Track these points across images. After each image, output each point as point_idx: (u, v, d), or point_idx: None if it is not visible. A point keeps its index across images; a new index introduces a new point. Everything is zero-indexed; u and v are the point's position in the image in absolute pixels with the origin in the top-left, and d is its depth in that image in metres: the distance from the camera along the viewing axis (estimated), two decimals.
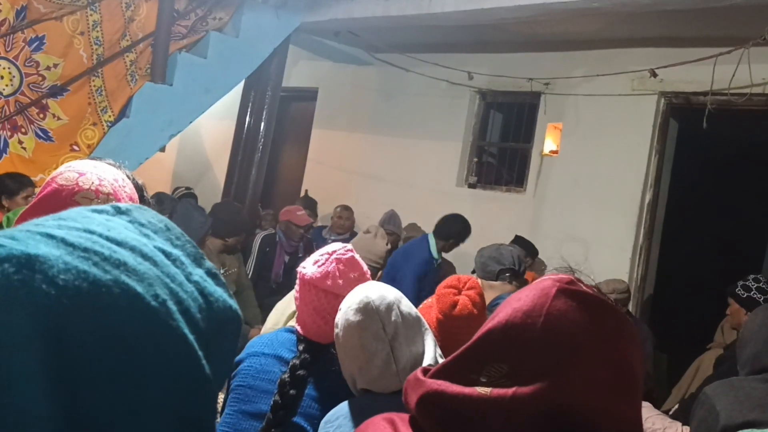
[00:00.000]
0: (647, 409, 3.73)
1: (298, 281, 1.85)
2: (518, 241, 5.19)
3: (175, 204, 4.24)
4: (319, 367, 1.74)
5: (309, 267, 1.82)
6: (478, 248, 5.89)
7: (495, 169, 6.38)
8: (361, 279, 1.80)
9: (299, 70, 7.30)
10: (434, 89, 6.33)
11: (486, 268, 2.75)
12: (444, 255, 5.07)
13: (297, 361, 1.75)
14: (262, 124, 5.92)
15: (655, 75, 4.84)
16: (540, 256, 5.46)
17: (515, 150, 6.18)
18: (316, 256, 1.84)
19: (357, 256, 1.87)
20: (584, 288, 0.85)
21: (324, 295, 1.77)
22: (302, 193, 6.90)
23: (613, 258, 5.27)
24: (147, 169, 6.17)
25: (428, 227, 5.77)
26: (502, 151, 6.45)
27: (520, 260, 2.76)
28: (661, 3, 4.01)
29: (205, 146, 8.09)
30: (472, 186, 6.32)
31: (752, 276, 3.46)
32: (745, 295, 3.36)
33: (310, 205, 6.26)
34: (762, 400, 2.08)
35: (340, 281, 1.77)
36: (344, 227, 6.48)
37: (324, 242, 6.28)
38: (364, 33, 5.93)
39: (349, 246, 1.88)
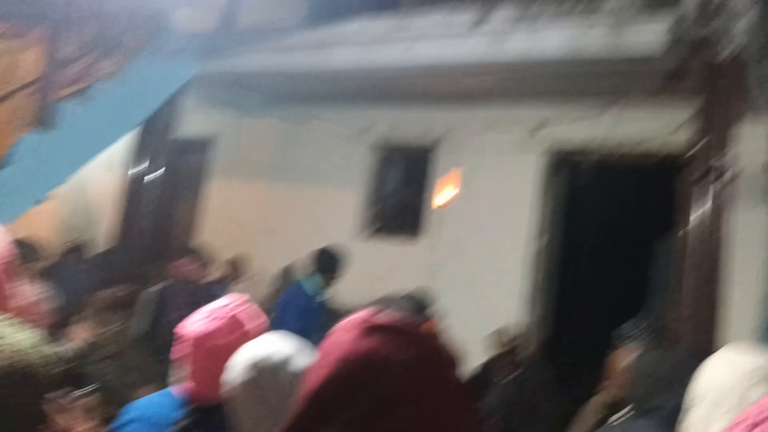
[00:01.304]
0: None
1: (182, 339, 1.76)
2: (411, 295, 5.21)
3: (56, 259, 3.97)
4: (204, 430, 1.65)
5: (197, 323, 1.73)
6: (375, 297, 5.89)
7: (393, 219, 6.45)
8: (255, 333, 1.74)
9: (195, 120, 7.14)
10: (333, 140, 6.38)
11: None
12: None
13: (181, 426, 1.65)
14: (153, 175, 5.73)
15: (539, 132, 5.11)
16: (438, 302, 5.51)
17: (412, 200, 6.29)
18: (204, 311, 1.76)
19: (249, 309, 1.81)
20: (388, 319, 0.86)
21: (215, 352, 1.68)
22: (195, 246, 6.66)
23: (509, 303, 5.42)
24: (33, 219, 5.80)
25: None
26: (399, 201, 6.54)
27: (413, 308, 2.75)
28: (542, 65, 4.29)
29: (96, 196, 7.70)
30: (370, 236, 6.36)
31: (634, 319, 3.62)
32: (631, 340, 3.51)
33: (203, 257, 6.04)
34: None
35: (231, 337, 1.69)
36: (233, 279, 6.31)
37: (216, 296, 6.07)
38: (261, 85, 5.92)
39: (241, 299, 1.81)
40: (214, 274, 6.31)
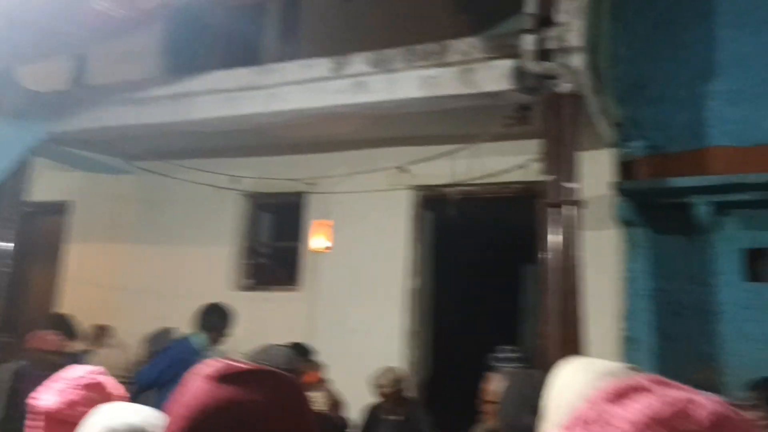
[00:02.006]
0: None
1: (30, 414, 1.62)
2: (293, 347, 5.14)
3: None
4: None
5: (47, 396, 1.60)
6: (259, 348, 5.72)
7: (269, 270, 6.36)
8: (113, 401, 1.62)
9: (46, 183, 6.73)
10: (200, 194, 6.22)
11: None
12: None
13: None
14: (2, 244, 5.30)
15: (404, 171, 5.27)
16: (319, 349, 5.44)
17: (286, 249, 6.24)
18: (57, 384, 1.63)
19: (106, 378, 1.69)
20: (240, 365, 0.86)
21: (69, 429, 1.56)
22: (55, 315, 6.18)
23: (389, 345, 5.45)
24: None
25: None
26: (273, 250, 6.47)
27: (290, 359, 2.72)
28: (401, 106, 4.43)
29: None
30: (247, 288, 6.21)
31: (501, 347, 3.78)
32: (500, 367, 3.64)
33: (64, 325, 5.62)
34: None
35: (88, 409, 1.57)
36: (101, 347, 5.92)
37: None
38: (119, 142, 5.69)
39: (98, 368, 1.70)
40: (78, 343, 5.90)
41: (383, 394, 4.64)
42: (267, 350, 2.74)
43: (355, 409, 5.00)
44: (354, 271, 5.69)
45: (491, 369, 3.75)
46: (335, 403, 3.58)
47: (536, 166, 5.05)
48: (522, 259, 7.29)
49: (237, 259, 6.24)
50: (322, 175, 5.82)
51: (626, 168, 5.02)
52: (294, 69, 4.54)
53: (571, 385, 1.41)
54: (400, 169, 5.28)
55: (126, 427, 1.35)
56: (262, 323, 5.84)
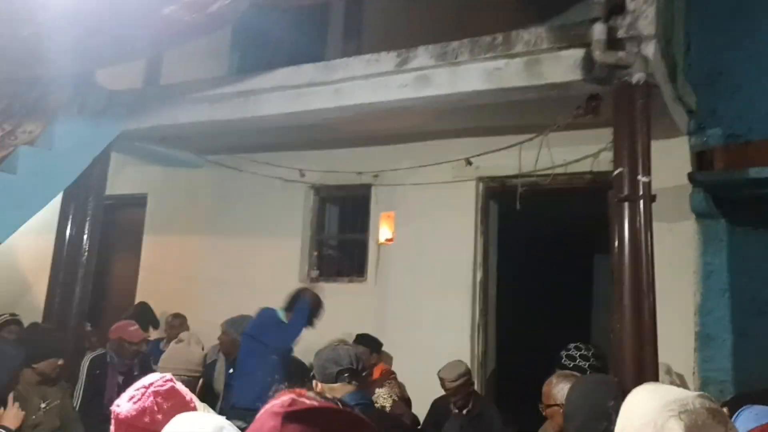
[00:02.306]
0: None
1: (113, 421, 1.70)
2: (360, 338, 5.22)
3: None
4: None
5: (123, 404, 1.68)
6: (325, 341, 5.84)
7: (336, 262, 6.44)
8: (184, 410, 1.69)
9: (125, 177, 7.02)
10: (269, 188, 6.35)
11: (325, 371, 2.71)
12: None
13: None
14: (85, 236, 5.56)
15: (470, 163, 5.22)
16: (386, 341, 5.51)
17: (353, 241, 6.31)
18: (131, 391, 1.71)
19: (177, 385, 1.76)
20: (307, 403, 0.87)
21: None
22: (135, 306, 6.47)
23: (455, 338, 5.43)
24: None
25: None
26: (340, 242, 6.55)
27: (358, 359, 2.75)
28: (465, 99, 4.37)
29: (23, 264, 7.43)
30: (314, 280, 6.30)
31: (573, 345, 3.69)
32: (571, 365, 3.57)
33: (145, 316, 5.88)
34: None
35: (160, 416, 1.65)
36: (177, 336, 6.14)
37: (160, 355, 5.89)
38: (192, 137, 5.87)
39: (168, 375, 1.77)
40: (158, 332, 6.16)
41: (450, 389, 4.64)
42: (335, 349, 2.78)
43: (421, 403, 5.03)
44: (420, 263, 5.70)
45: (560, 366, 3.69)
46: (401, 400, 3.60)
47: (607, 156, 4.91)
48: (594, 250, 7.13)
49: (305, 251, 6.35)
50: (387, 167, 5.84)
51: (702, 158, 4.80)
52: (358, 64, 4.55)
53: (640, 412, 1.38)
54: (466, 161, 5.22)
55: None
56: (331, 314, 5.92)
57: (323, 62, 4.77)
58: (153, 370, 5.30)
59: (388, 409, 3.27)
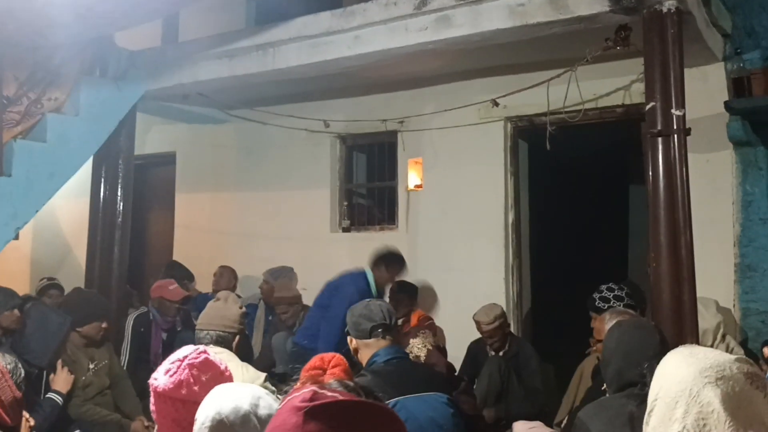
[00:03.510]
0: (539, 429, 3.84)
1: (151, 393, 1.74)
2: (400, 286, 5.25)
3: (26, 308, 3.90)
4: None
5: (161, 377, 1.71)
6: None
7: (366, 210, 6.44)
8: (220, 380, 1.72)
9: (153, 136, 7.06)
10: (295, 139, 6.32)
11: (358, 327, 2.73)
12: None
13: None
14: (119, 197, 5.63)
15: (497, 104, 5.10)
16: (420, 287, 5.53)
17: (382, 189, 6.28)
18: (167, 364, 1.74)
19: (212, 356, 1.79)
20: (329, 396, 0.86)
21: (182, 405, 1.67)
22: (173, 263, 6.58)
23: (488, 281, 5.44)
24: (2, 260, 5.70)
25: (308, 277, 5.71)
26: (370, 191, 6.53)
27: (390, 314, 2.77)
28: (488, 38, 4.23)
29: (63, 227, 7.60)
30: (346, 230, 6.34)
31: (605, 286, 3.66)
32: (605, 306, 3.55)
33: (181, 273, 5.99)
34: (629, 416, 2.18)
35: (196, 387, 1.68)
36: (226, 287, 6.27)
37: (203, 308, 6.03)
38: (214, 93, 5.83)
39: (202, 347, 1.80)
40: (198, 287, 6.28)
41: (486, 331, 4.68)
42: (367, 305, 2.80)
43: (458, 346, 5.09)
44: (450, 207, 5.66)
45: (593, 309, 3.68)
46: (436, 348, 3.64)
47: (640, 87, 4.75)
48: (629, 180, 6.99)
49: (335, 201, 6.35)
50: (412, 112, 5.74)
51: (740, 83, 4.60)
52: (376, 9, 4.41)
53: (675, 378, 1.35)
54: (493, 102, 5.10)
55: (234, 412, 1.42)
56: (363, 263, 5.97)
57: (340, 9, 4.64)
58: (195, 325, 5.48)
59: (422, 359, 3.30)
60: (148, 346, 5.26)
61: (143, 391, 4.54)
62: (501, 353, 4.65)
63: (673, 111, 3.53)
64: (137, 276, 6.86)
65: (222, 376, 1.74)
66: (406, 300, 5.30)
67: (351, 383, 0.96)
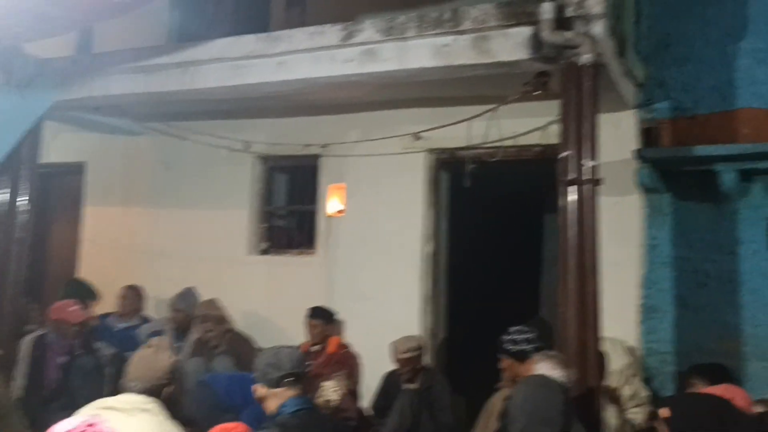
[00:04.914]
0: None
1: None
2: (314, 311, 5.19)
3: None
4: None
5: None
6: (275, 314, 5.76)
7: (285, 234, 6.33)
8: None
9: (61, 145, 6.68)
10: (214, 157, 6.15)
11: (267, 376, 2.65)
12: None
13: None
14: (18, 210, 5.31)
15: (419, 138, 5.12)
16: (339, 315, 5.49)
17: (302, 213, 6.20)
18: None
19: (104, 426, 1.67)
20: None
21: None
22: (76, 281, 6.24)
23: (404, 311, 5.44)
24: None
25: (222, 299, 5.54)
26: (290, 214, 6.42)
27: (300, 362, 2.70)
28: (414, 75, 4.26)
29: None
30: (264, 252, 6.21)
31: (515, 328, 3.72)
32: (515, 350, 3.60)
33: (80, 292, 5.68)
34: None
35: None
36: (131, 310, 6.00)
37: (110, 331, 5.76)
38: (129, 106, 5.60)
39: (91, 420, 1.68)
40: (104, 307, 5.99)
41: (399, 360, 4.67)
42: (277, 353, 2.72)
43: (370, 375, 5.05)
44: (370, 235, 5.64)
45: (503, 352, 3.72)
46: (349, 393, 3.59)
47: (556, 129, 4.88)
48: (544, 209, 7.17)
49: (253, 223, 6.21)
50: (335, 138, 5.69)
51: (649, 132, 4.81)
52: (302, 37, 4.35)
53: None
54: (415, 136, 5.13)
55: None
56: (280, 287, 5.88)
57: (265, 33, 4.56)
58: (95, 349, 5.21)
59: (335, 403, 3.25)
60: (44, 370, 4.95)
61: (35, 421, 4.27)
62: (414, 386, 4.64)
63: (585, 162, 3.63)
64: (36, 291, 6.47)
65: None
66: (321, 326, 5.23)
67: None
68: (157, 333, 5.42)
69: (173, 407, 2.93)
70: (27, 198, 5.32)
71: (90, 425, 1.64)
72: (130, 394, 2.77)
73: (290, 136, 5.85)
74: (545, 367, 2.98)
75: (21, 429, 4.05)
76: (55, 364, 4.98)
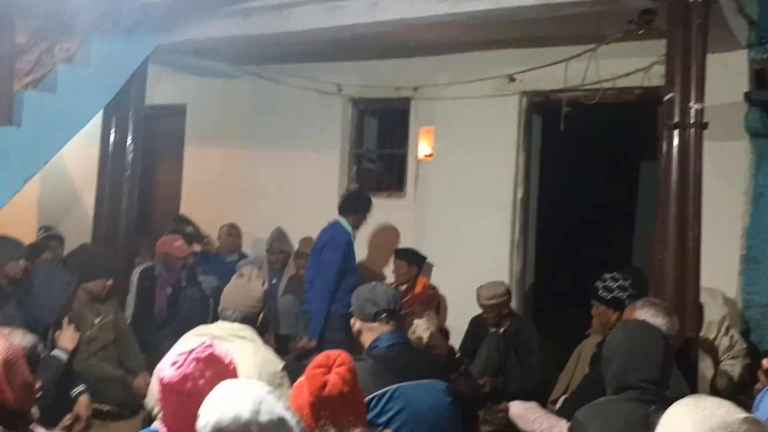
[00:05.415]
0: (534, 410, 3.89)
1: (157, 383, 1.77)
2: (401, 253, 5.30)
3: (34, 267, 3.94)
4: None
5: (167, 369, 1.74)
6: (364, 255, 5.92)
7: (375, 176, 6.42)
8: (224, 374, 1.75)
9: (164, 87, 6.97)
10: (306, 99, 6.26)
11: (363, 311, 2.76)
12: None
13: None
14: (128, 150, 5.59)
15: (513, 80, 5.01)
16: (427, 257, 5.58)
17: (392, 155, 6.25)
18: (173, 356, 1.77)
19: (218, 350, 1.81)
20: None
21: (186, 397, 1.70)
22: (180, 217, 6.59)
23: (493, 255, 5.46)
24: (9, 205, 5.71)
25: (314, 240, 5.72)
26: (379, 157, 6.49)
27: (395, 299, 2.79)
28: (510, 14, 4.15)
29: (71, 173, 7.58)
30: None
31: (609, 275, 3.66)
32: (609, 297, 3.56)
33: (188, 228, 6.01)
34: (627, 419, 2.22)
35: (201, 382, 1.71)
36: (230, 246, 6.33)
37: (211, 266, 6.09)
38: (226, 49, 5.75)
39: (208, 341, 1.82)
40: (204, 245, 6.32)
41: (483, 306, 4.72)
42: (373, 289, 2.82)
43: (459, 318, 5.14)
44: (460, 179, 5.63)
45: (597, 298, 3.69)
46: (439, 331, 3.67)
47: (659, 70, 4.66)
48: (641, 156, 6.93)
49: (344, 165, 6.32)
50: (427, 80, 5.67)
51: (761, 74, 4.51)
52: None
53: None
54: (509, 78, 5.02)
55: (234, 420, 1.45)
56: (370, 229, 5.99)
57: None
58: (199, 283, 5.54)
59: (425, 340, 3.35)
60: (153, 300, 5.33)
61: (147, 345, 4.64)
62: (501, 330, 4.69)
63: (691, 105, 3.47)
64: (144, 226, 6.88)
65: (226, 371, 1.77)
66: (406, 267, 5.34)
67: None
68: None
69: (265, 333, 3.09)
70: (134, 138, 5.61)
71: (208, 346, 1.77)
72: (226, 322, 2.94)
73: (381, 78, 5.86)
74: (647, 314, 2.92)
75: (136, 350, 4.43)
76: (163, 294, 5.35)
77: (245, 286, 3.11)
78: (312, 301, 4.94)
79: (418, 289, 5.36)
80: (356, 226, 5.19)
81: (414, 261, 5.41)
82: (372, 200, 5.30)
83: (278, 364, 2.85)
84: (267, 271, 5.98)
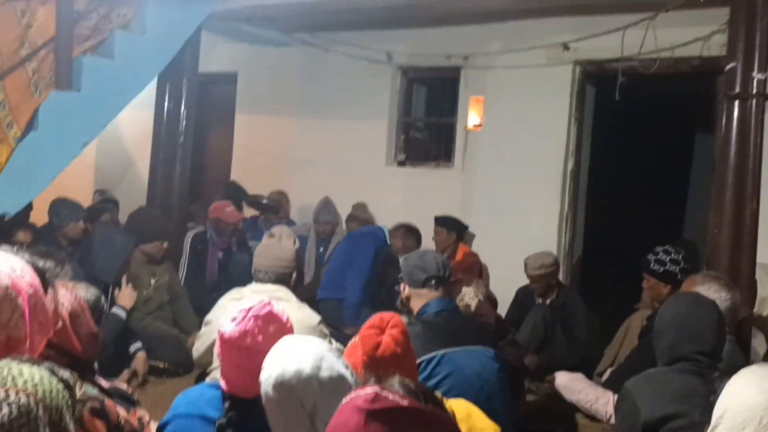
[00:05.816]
0: (580, 381, 3.90)
1: (217, 339, 1.84)
2: (440, 220, 5.31)
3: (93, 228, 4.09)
4: (246, 425, 1.75)
5: (227, 325, 1.81)
6: (412, 223, 5.95)
7: (422, 145, 6.41)
8: (282, 331, 1.81)
9: (216, 55, 7.06)
10: (356, 68, 6.26)
11: (412, 277, 2.79)
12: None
13: (224, 421, 1.76)
14: (182, 116, 5.69)
15: (567, 48, 4.91)
16: (471, 228, 5.58)
17: (441, 125, 6.22)
18: (234, 312, 1.83)
19: (275, 308, 1.87)
20: (390, 399, 0.88)
21: (246, 353, 1.77)
22: (232, 183, 6.71)
23: (541, 226, 5.42)
24: (67, 169, 5.90)
25: None
26: (428, 126, 6.47)
27: (445, 266, 2.81)
28: None
29: (127, 138, 7.79)
30: (401, 164, 6.34)
31: (661, 248, 3.60)
32: (661, 270, 3.51)
33: (238, 195, 6.13)
34: (678, 391, 2.21)
35: (260, 338, 1.77)
36: (282, 215, 6.42)
37: (261, 232, 6.21)
38: (278, 17, 5.78)
39: (266, 299, 1.87)
40: (254, 211, 6.44)
41: (530, 276, 4.71)
42: (423, 256, 2.85)
43: (506, 288, 5.14)
44: (509, 150, 5.58)
45: (648, 272, 3.64)
46: (486, 299, 3.69)
47: (719, 40, 4.52)
48: (695, 128, 6.76)
49: (392, 134, 6.32)
50: (478, 48, 5.59)
51: None
52: None
53: (746, 404, 1.34)
54: (563, 46, 4.92)
55: (297, 375, 1.50)
56: (416, 199, 6.01)
57: None
58: (249, 247, 5.66)
59: (472, 308, 3.37)
60: (204, 264, 5.47)
61: (199, 307, 4.78)
62: (548, 302, 4.68)
63: (754, 74, 3.36)
64: (196, 192, 7.04)
65: (284, 328, 1.83)
66: (445, 233, 5.35)
67: (412, 385, 0.99)
68: (302, 237, 5.79)
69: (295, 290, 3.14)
70: (187, 105, 5.71)
71: (266, 305, 1.83)
72: (259, 284, 2.99)
73: (432, 46, 5.81)
74: (709, 288, 2.86)
75: (189, 311, 4.57)
76: (215, 258, 5.49)
77: (276, 246, 3.16)
78: (347, 295, 4.98)
79: (459, 256, 5.36)
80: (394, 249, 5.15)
81: (453, 228, 5.40)
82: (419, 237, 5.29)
83: (315, 318, 2.92)
84: (314, 240, 6.04)
